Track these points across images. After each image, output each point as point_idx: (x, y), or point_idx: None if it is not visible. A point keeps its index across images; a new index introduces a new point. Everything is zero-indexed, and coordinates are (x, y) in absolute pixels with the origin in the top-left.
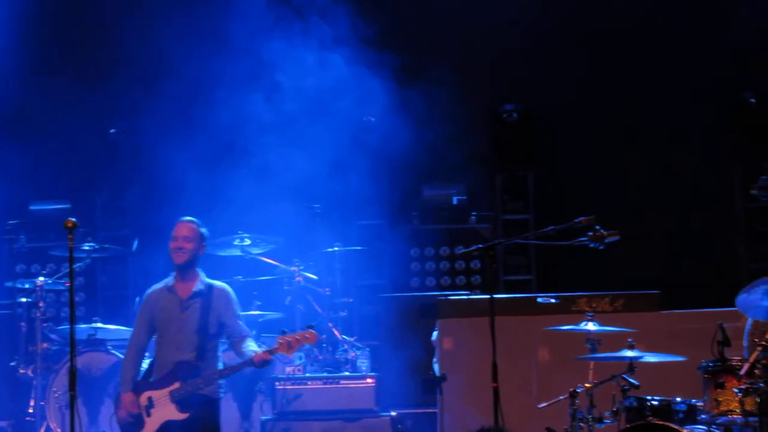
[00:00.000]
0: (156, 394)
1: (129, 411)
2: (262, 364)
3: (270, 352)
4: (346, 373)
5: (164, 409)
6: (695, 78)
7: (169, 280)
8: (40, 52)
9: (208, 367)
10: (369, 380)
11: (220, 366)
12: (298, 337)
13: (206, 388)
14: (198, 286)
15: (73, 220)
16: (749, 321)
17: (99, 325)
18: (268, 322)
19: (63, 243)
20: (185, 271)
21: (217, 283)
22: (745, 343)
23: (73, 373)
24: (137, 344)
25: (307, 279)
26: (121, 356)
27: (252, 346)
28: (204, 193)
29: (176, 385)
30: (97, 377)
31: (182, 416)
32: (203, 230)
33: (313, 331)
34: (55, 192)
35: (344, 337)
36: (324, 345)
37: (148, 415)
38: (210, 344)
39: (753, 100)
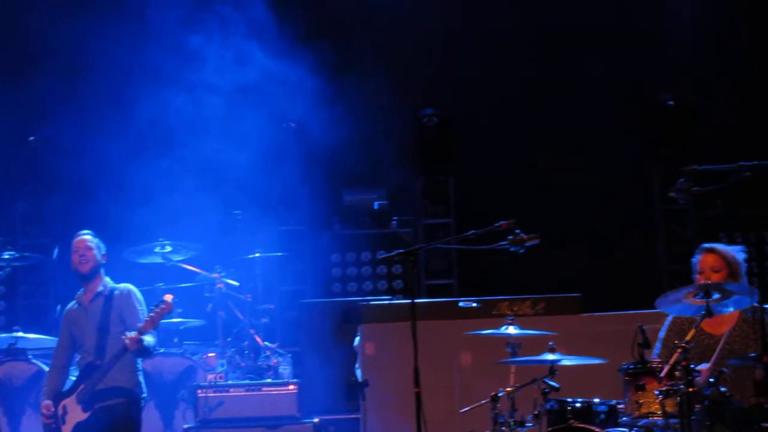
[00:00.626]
0: (68, 401)
1: (45, 415)
2: (135, 344)
3: (139, 332)
4: (269, 380)
5: (73, 413)
6: (615, 81)
7: (78, 292)
8: None
9: (111, 366)
10: (291, 387)
11: (139, 366)
12: (157, 310)
13: (108, 382)
14: (98, 289)
15: None
16: (669, 318)
17: (20, 334)
18: (189, 330)
19: None
20: (91, 279)
21: (122, 285)
22: (661, 334)
23: None
24: (59, 357)
25: (228, 285)
26: (42, 365)
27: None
28: (124, 200)
29: (81, 387)
30: (17, 387)
31: (85, 416)
32: (99, 241)
33: (169, 301)
34: None
35: (266, 343)
36: (246, 352)
37: (64, 422)
38: (111, 343)
39: (671, 103)
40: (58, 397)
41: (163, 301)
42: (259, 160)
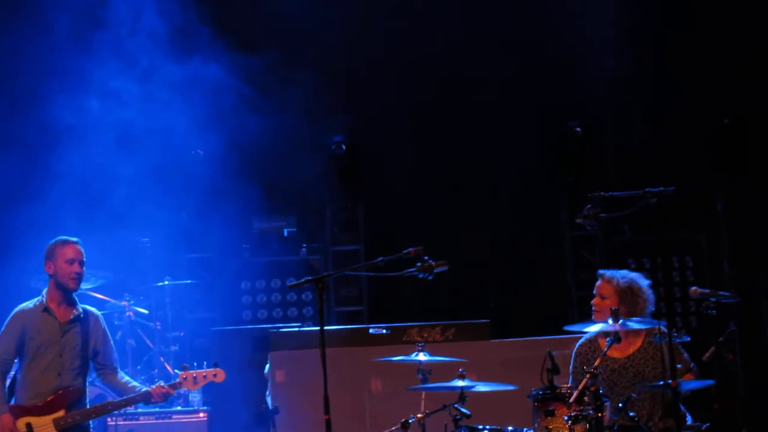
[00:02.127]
0: (37, 421)
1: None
2: (163, 398)
3: (173, 386)
4: (179, 408)
5: None
6: (522, 107)
7: (41, 300)
8: None
9: (87, 395)
10: (201, 414)
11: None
12: (205, 374)
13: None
14: (77, 311)
15: None
16: (577, 344)
17: None
18: None
19: None
20: (70, 295)
21: (90, 308)
22: (570, 366)
23: None
24: (2, 364)
25: (137, 313)
26: None
27: (132, 381)
28: (30, 225)
29: (61, 412)
30: None
31: None
32: None
33: (221, 370)
34: None
35: (176, 371)
36: (156, 380)
37: None
38: (87, 371)
39: (578, 129)
40: (14, 410)
41: (215, 369)
42: (167, 187)
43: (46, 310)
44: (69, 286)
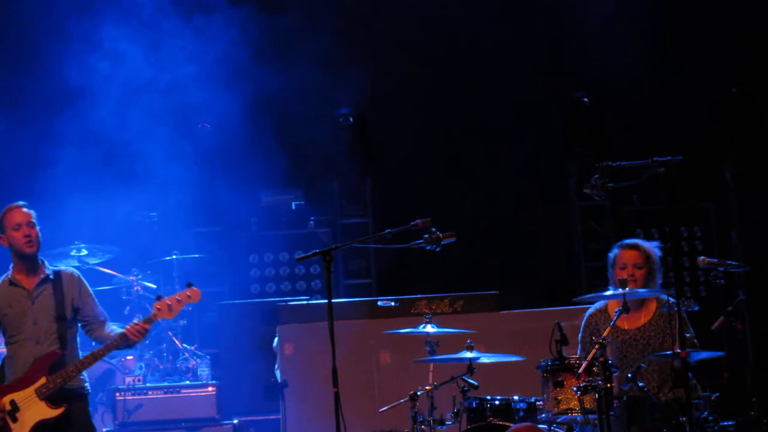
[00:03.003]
0: (19, 396)
1: None
2: (142, 334)
3: (148, 320)
4: (187, 382)
5: (33, 409)
6: (530, 78)
7: (8, 274)
8: None
9: (72, 356)
10: (210, 388)
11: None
12: (179, 298)
13: (75, 380)
14: (44, 273)
15: None
16: (586, 314)
17: None
18: None
19: None
20: (33, 260)
21: (64, 267)
22: (580, 335)
23: None
24: None
25: (145, 288)
26: None
27: (117, 329)
28: (37, 202)
29: (42, 380)
30: None
31: (56, 412)
32: (35, 212)
33: (195, 288)
34: None
35: (184, 345)
36: (164, 354)
37: (14, 420)
38: (69, 331)
39: (586, 100)
40: None
41: (187, 288)
42: (175, 161)
43: (11, 282)
44: (24, 251)
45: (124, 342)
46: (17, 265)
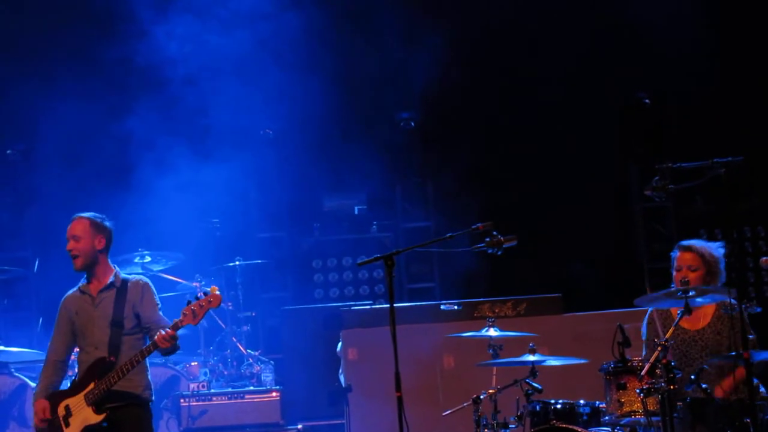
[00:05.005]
0: (73, 401)
1: (41, 417)
2: (168, 341)
3: (173, 327)
4: (251, 388)
5: (81, 414)
6: (590, 79)
7: (81, 281)
8: None
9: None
10: (274, 394)
11: (148, 367)
12: (201, 303)
13: (124, 384)
14: (109, 279)
15: None
16: (649, 309)
17: (1, 348)
18: None
19: None
20: (90, 272)
21: (134, 276)
22: (643, 330)
23: None
24: (58, 351)
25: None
26: (26, 379)
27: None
28: (103, 210)
29: (91, 386)
30: (1, 400)
31: (98, 418)
32: (99, 222)
33: (217, 293)
34: None
35: (248, 351)
36: (229, 360)
37: (67, 424)
38: (127, 339)
39: (647, 101)
40: (55, 396)
41: (208, 293)
42: (237, 167)
43: (81, 290)
44: (73, 266)
45: (156, 349)
46: (86, 274)
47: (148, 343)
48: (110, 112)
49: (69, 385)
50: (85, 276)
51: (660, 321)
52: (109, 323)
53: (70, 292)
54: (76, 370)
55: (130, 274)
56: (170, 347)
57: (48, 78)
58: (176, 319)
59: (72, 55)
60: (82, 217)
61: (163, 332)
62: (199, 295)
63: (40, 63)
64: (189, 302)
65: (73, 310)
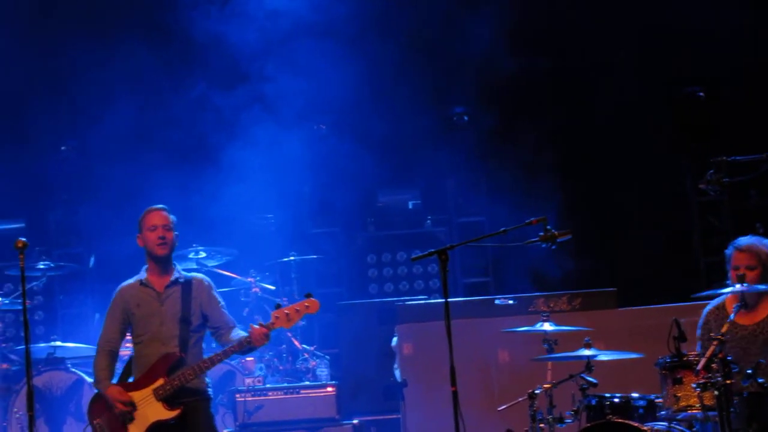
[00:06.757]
0: (138, 395)
1: (121, 401)
2: (261, 340)
3: (268, 327)
4: (307, 383)
5: (149, 409)
6: (644, 73)
7: (140, 275)
8: None
9: (194, 360)
10: (330, 389)
11: None
12: (297, 308)
13: (194, 381)
14: (174, 276)
15: (23, 240)
16: (704, 311)
17: (58, 343)
18: None
19: (17, 263)
20: (165, 263)
21: (196, 274)
22: (698, 332)
23: (30, 393)
24: (108, 342)
25: (263, 289)
26: (82, 374)
27: (243, 333)
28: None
29: (160, 381)
30: (57, 396)
31: (172, 414)
32: (174, 218)
33: (314, 299)
34: (9, 211)
35: (304, 346)
36: (284, 355)
37: (132, 419)
38: (193, 336)
39: (701, 94)
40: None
41: (307, 300)
42: (291, 162)
43: (143, 283)
44: (156, 253)
45: (242, 348)
46: (150, 266)
47: (206, 341)
48: (164, 110)
49: (124, 377)
50: (147, 269)
51: (716, 323)
52: (179, 320)
53: (128, 282)
54: (133, 363)
55: (186, 270)
56: (261, 345)
57: (103, 74)
58: (270, 321)
59: (128, 51)
60: (165, 209)
61: (258, 328)
62: (281, 302)
63: (94, 60)
64: (278, 305)
65: (133, 302)
